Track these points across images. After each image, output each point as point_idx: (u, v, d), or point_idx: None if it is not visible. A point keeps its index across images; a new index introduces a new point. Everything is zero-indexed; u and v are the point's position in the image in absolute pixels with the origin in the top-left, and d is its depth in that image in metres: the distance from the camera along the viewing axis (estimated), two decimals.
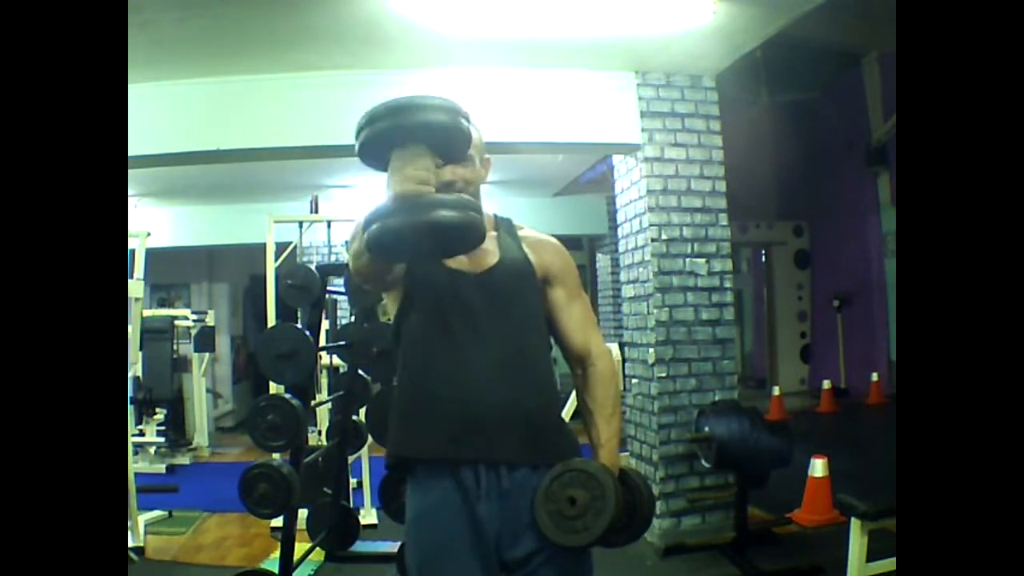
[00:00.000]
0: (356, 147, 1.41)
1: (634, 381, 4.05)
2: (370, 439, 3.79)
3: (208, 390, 7.53)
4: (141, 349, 4.79)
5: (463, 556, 1.45)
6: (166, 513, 4.62)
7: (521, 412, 1.47)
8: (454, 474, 1.45)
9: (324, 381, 4.79)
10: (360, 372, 3.49)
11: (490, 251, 1.54)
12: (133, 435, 5.93)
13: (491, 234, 1.56)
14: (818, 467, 3.92)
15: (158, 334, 6.70)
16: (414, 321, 1.52)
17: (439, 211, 1.33)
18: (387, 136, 1.35)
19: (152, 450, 6.44)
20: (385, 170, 1.40)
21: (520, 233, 1.63)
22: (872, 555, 2.60)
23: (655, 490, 3.79)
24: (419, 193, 1.33)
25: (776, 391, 7.46)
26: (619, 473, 1.51)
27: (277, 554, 2.92)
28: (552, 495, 1.42)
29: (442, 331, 1.48)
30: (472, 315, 1.47)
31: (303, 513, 3.44)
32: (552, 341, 1.63)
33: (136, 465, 5.21)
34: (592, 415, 1.57)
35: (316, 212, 5.26)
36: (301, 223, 5.14)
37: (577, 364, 1.62)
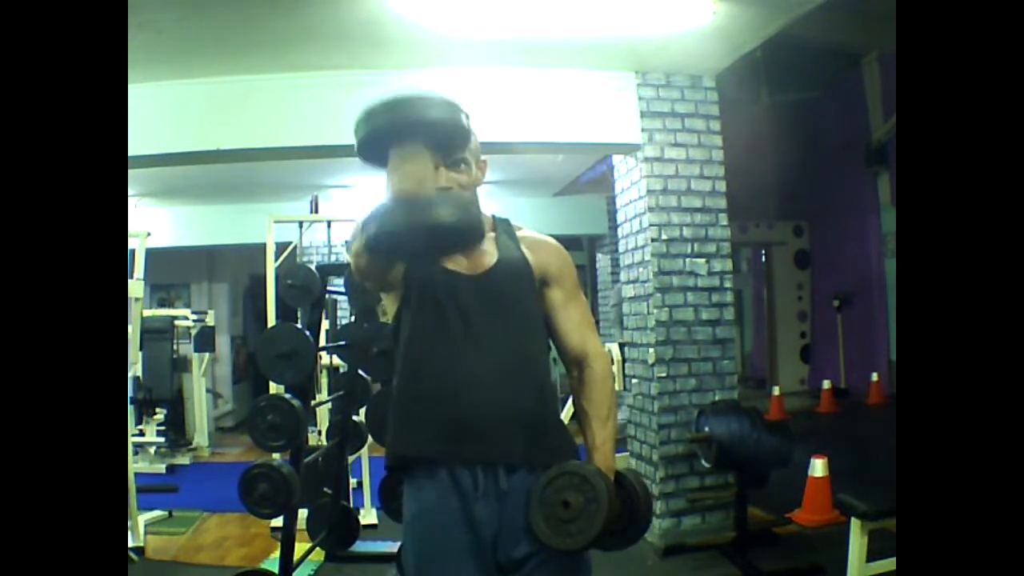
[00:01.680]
0: (355, 145, 1.41)
1: (634, 381, 4.05)
2: (370, 439, 3.79)
3: (208, 390, 7.53)
4: (141, 349, 4.79)
5: (460, 556, 1.44)
6: (166, 513, 4.62)
7: (518, 413, 1.46)
8: (451, 475, 1.45)
9: (324, 381, 4.79)
10: (360, 372, 3.49)
11: (488, 252, 1.53)
12: (133, 435, 5.93)
13: (489, 235, 1.56)
14: (818, 467, 3.92)
15: (158, 334, 6.70)
16: (412, 322, 1.51)
17: (436, 209, 1.33)
18: (386, 133, 1.35)
19: (152, 450, 6.44)
20: (384, 167, 1.39)
21: (519, 234, 1.62)
22: (872, 555, 2.60)
23: (655, 490, 3.79)
24: (417, 192, 1.33)
25: (776, 391, 7.46)
26: (615, 475, 1.51)
27: (277, 554, 2.92)
28: (546, 498, 1.42)
29: (440, 332, 1.47)
30: (469, 316, 1.46)
31: (303, 513, 3.44)
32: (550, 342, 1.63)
33: (136, 465, 5.21)
34: (587, 417, 1.56)
35: (316, 212, 5.26)
36: (301, 223, 5.14)
37: (573, 366, 1.61)
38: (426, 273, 1.50)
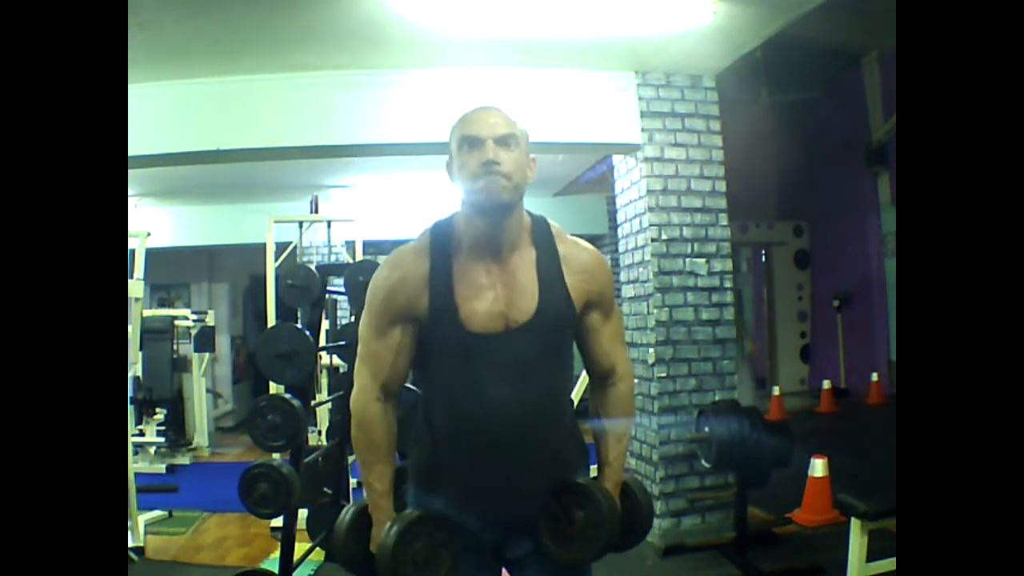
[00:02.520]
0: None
1: (634, 381, 4.04)
2: None
3: (208, 390, 7.52)
4: (141, 349, 4.79)
5: (468, 554, 1.45)
6: (166, 513, 4.62)
7: (545, 470, 1.45)
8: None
9: (324, 381, 4.79)
10: None
11: (528, 291, 1.40)
12: (133, 435, 5.93)
13: (528, 254, 1.44)
14: (818, 467, 3.92)
15: (158, 334, 6.70)
16: (434, 375, 1.46)
17: None
18: None
19: (152, 450, 6.44)
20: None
21: (559, 248, 1.47)
22: (872, 555, 2.60)
23: (655, 490, 3.79)
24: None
25: (776, 391, 7.45)
26: (620, 486, 1.52)
27: (277, 554, 2.92)
28: (552, 513, 1.44)
29: (468, 390, 1.40)
30: (502, 378, 1.38)
31: (303, 513, 3.44)
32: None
33: (136, 465, 5.21)
34: (604, 432, 1.54)
35: (316, 212, 5.27)
36: (301, 223, 5.15)
37: (598, 378, 1.57)
38: (446, 338, 1.40)
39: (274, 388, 3.66)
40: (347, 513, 1.51)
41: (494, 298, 1.39)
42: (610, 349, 1.54)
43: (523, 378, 1.39)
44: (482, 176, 1.35)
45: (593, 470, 1.59)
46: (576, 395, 3.41)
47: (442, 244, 1.43)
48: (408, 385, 1.55)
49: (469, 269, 1.41)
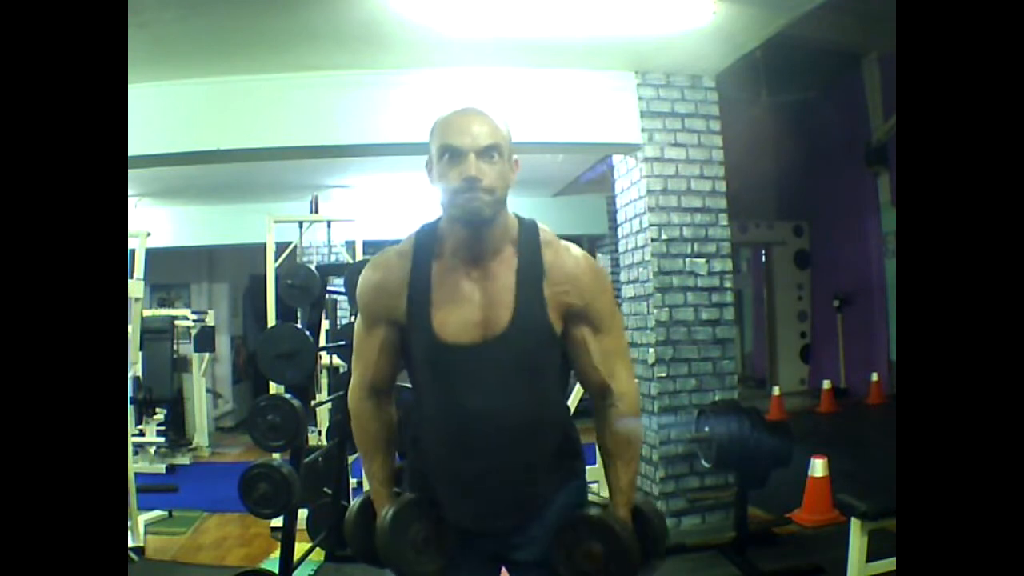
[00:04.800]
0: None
1: (638, 400, 4.04)
2: None
3: (208, 390, 7.53)
4: (141, 349, 4.79)
5: (466, 552, 1.46)
6: (166, 513, 4.62)
7: (533, 488, 1.43)
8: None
9: (324, 381, 4.79)
10: None
11: (504, 302, 1.35)
12: (133, 435, 5.93)
13: (511, 258, 1.38)
14: (818, 467, 3.92)
15: (158, 334, 6.70)
16: (417, 379, 1.46)
17: None
18: None
19: (152, 450, 6.43)
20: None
21: (544, 256, 1.39)
22: (872, 555, 2.60)
23: (655, 490, 3.79)
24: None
25: (776, 391, 7.46)
26: (633, 509, 1.46)
27: (277, 554, 2.92)
28: (568, 549, 1.41)
29: (448, 405, 1.38)
30: (478, 388, 1.35)
31: (303, 513, 3.44)
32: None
33: (136, 465, 5.20)
34: (611, 456, 1.45)
35: (316, 212, 5.26)
36: (301, 223, 5.15)
37: (595, 397, 1.48)
38: (421, 345, 1.38)
39: (274, 388, 3.66)
40: (355, 504, 1.54)
41: (471, 308, 1.35)
42: (602, 366, 1.42)
43: (498, 391, 1.35)
44: (463, 192, 1.30)
45: (590, 473, 1.59)
46: (575, 396, 3.41)
47: (425, 248, 1.40)
48: (407, 384, 1.55)
49: (449, 275, 1.37)
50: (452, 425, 1.38)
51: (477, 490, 1.40)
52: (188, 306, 8.20)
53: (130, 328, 4.07)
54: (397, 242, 1.48)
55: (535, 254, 1.38)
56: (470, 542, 1.46)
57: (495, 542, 1.47)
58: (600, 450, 1.49)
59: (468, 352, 1.34)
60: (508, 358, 1.35)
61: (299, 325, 3.18)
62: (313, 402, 4.21)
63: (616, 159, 4.22)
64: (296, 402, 2.80)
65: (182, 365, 7.18)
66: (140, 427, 6.38)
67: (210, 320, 7.34)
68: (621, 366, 1.46)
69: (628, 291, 4.13)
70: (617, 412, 1.45)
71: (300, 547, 3.10)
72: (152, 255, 4.65)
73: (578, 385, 1.58)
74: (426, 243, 1.41)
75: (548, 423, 1.45)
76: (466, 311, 1.35)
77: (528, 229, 1.41)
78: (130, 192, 6.02)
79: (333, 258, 6.08)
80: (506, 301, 1.35)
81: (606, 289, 1.45)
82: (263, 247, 4.85)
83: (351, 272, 3.14)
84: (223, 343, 8.44)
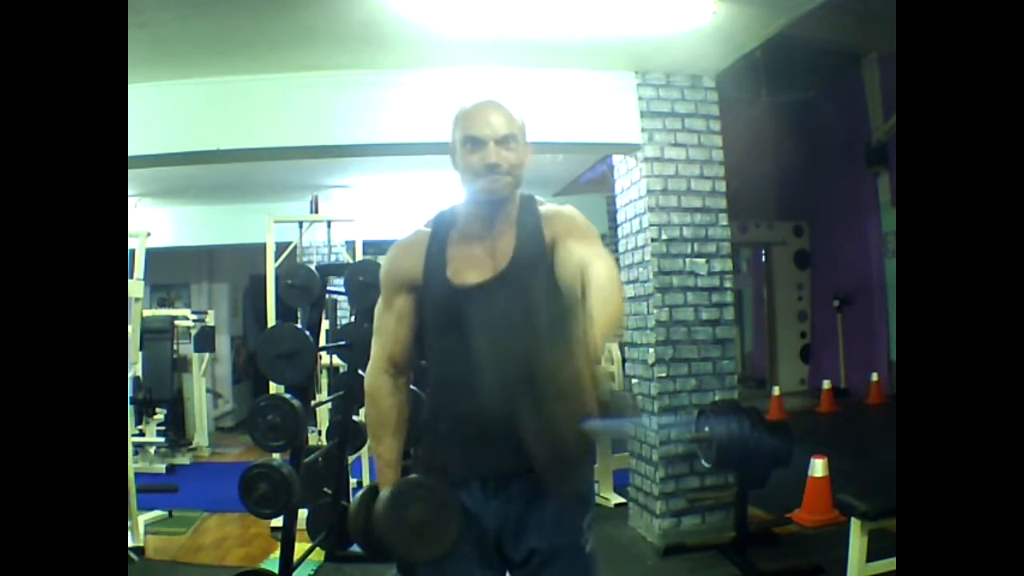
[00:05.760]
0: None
1: (634, 381, 4.04)
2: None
3: (208, 390, 7.53)
4: (141, 349, 4.79)
5: (465, 551, 1.46)
6: (166, 513, 4.62)
7: (535, 431, 1.40)
8: (465, 484, 1.47)
9: (324, 381, 4.79)
10: (360, 372, 3.49)
11: (506, 245, 1.50)
12: (133, 435, 5.93)
13: (515, 221, 1.52)
14: (818, 467, 3.92)
15: (158, 334, 6.70)
16: (432, 343, 1.54)
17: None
18: None
19: (152, 450, 6.44)
20: None
21: (541, 210, 1.56)
22: (872, 555, 2.60)
23: (655, 490, 3.79)
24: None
25: (776, 391, 7.46)
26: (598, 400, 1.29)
27: (277, 554, 2.92)
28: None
29: (457, 352, 1.44)
30: (485, 329, 1.41)
31: (303, 513, 3.44)
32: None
33: (136, 465, 5.20)
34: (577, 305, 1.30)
35: (316, 212, 5.27)
36: (301, 223, 5.15)
37: (578, 283, 1.34)
38: (435, 295, 1.50)
39: (274, 388, 3.66)
40: (361, 493, 1.59)
41: (480, 257, 1.49)
42: (578, 256, 1.40)
43: (505, 328, 1.40)
44: (485, 177, 1.45)
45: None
46: None
47: (443, 224, 1.56)
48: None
49: (463, 238, 1.52)
50: (461, 365, 1.41)
51: (486, 429, 1.38)
52: (188, 306, 8.21)
53: (130, 328, 4.07)
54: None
55: (534, 211, 1.56)
56: (473, 530, 1.45)
57: (500, 505, 1.45)
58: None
59: (476, 291, 1.46)
60: (512, 292, 1.44)
61: (299, 325, 3.18)
62: (313, 402, 4.21)
63: (616, 159, 4.21)
64: (296, 402, 2.79)
65: (182, 365, 7.19)
66: (140, 427, 6.38)
67: (210, 320, 7.34)
68: (597, 256, 1.43)
69: (628, 291, 4.13)
70: (592, 271, 1.36)
71: (300, 547, 3.10)
72: (152, 255, 4.65)
73: None
74: (444, 221, 1.57)
75: (553, 364, 1.35)
76: (475, 260, 1.49)
77: (528, 199, 1.59)
78: (130, 192, 6.02)
79: (333, 258, 6.07)
80: (509, 244, 1.50)
81: (583, 224, 1.56)
82: (263, 247, 4.85)
83: (351, 272, 3.13)
84: (223, 343, 8.44)
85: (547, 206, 1.59)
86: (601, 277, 1.39)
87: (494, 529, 1.47)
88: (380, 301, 1.59)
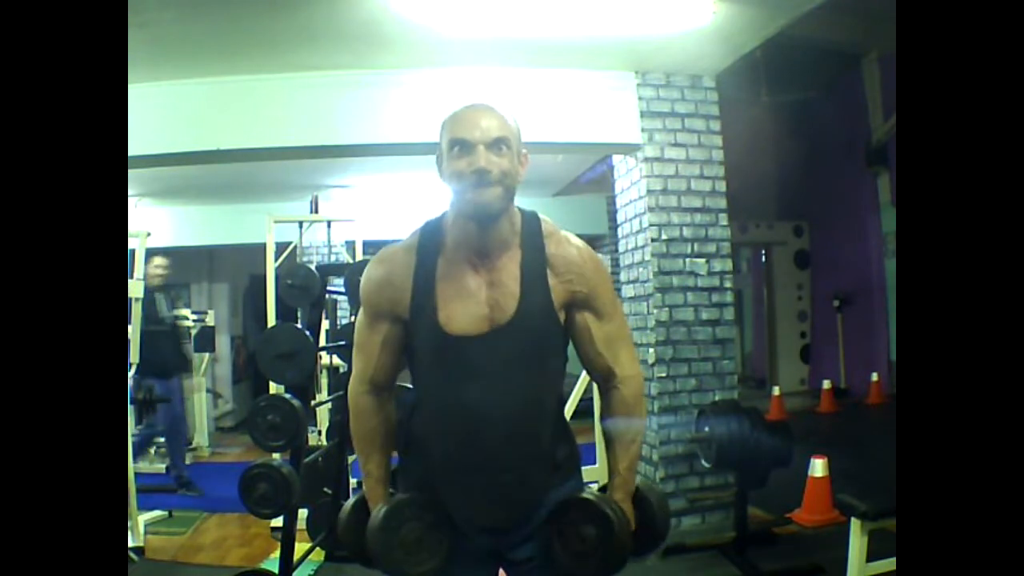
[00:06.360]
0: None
1: (642, 384, 4.04)
2: None
3: (208, 390, 7.52)
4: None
5: (463, 550, 1.46)
6: (166, 513, 4.62)
7: (531, 470, 1.43)
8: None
9: (324, 381, 4.79)
10: None
11: (510, 293, 1.36)
12: (133, 435, 5.92)
13: (515, 252, 1.39)
14: (818, 467, 3.92)
15: None
16: (420, 372, 1.46)
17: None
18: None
19: (152, 450, 6.43)
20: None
21: (547, 247, 1.41)
22: (872, 555, 2.60)
23: None
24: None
25: (776, 391, 7.45)
26: (634, 492, 1.48)
27: (277, 554, 2.92)
28: (561, 528, 1.41)
29: (450, 395, 1.38)
30: (480, 378, 1.35)
31: (303, 513, 3.44)
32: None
33: (136, 465, 5.20)
34: (612, 440, 1.48)
35: (316, 212, 5.27)
36: (301, 223, 5.15)
37: (599, 383, 1.51)
38: (426, 339, 1.39)
39: (274, 388, 3.66)
40: (349, 503, 1.54)
41: (476, 300, 1.36)
42: (606, 351, 1.44)
43: (503, 381, 1.36)
44: (473, 184, 1.31)
45: (590, 473, 1.59)
46: (575, 396, 3.41)
47: (430, 243, 1.41)
48: (407, 385, 1.55)
49: (454, 269, 1.38)
50: (456, 417, 1.38)
51: (477, 483, 1.40)
52: (188, 306, 8.19)
53: (130, 328, 4.07)
54: (398, 241, 1.48)
55: (538, 245, 1.41)
56: (467, 542, 1.45)
57: (492, 539, 1.47)
58: (603, 434, 1.51)
59: (474, 343, 1.35)
60: (514, 347, 1.36)
61: (299, 325, 3.18)
62: (313, 402, 4.20)
63: (616, 159, 4.21)
64: (296, 402, 2.80)
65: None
66: (140, 427, 6.37)
67: (210, 320, 7.33)
68: (625, 351, 1.49)
69: (628, 291, 4.13)
70: (619, 395, 1.48)
71: (300, 547, 3.10)
72: (152, 255, 4.64)
73: (575, 387, 1.59)
74: (431, 238, 1.42)
75: (550, 417, 1.46)
76: (471, 304, 1.36)
77: (530, 221, 1.43)
78: (130, 192, 6.02)
79: (333, 258, 6.07)
80: (512, 292, 1.36)
81: (607, 278, 1.48)
82: (263, 247, 4.85)
83: (351, 272, 3.13)
84: (223, 343, 8.43)
85: (554, 236, 1.43)
86: (631, 388, 1.48)
87: (489, 545, 1.48)
88: (362, 317, 1.47)
